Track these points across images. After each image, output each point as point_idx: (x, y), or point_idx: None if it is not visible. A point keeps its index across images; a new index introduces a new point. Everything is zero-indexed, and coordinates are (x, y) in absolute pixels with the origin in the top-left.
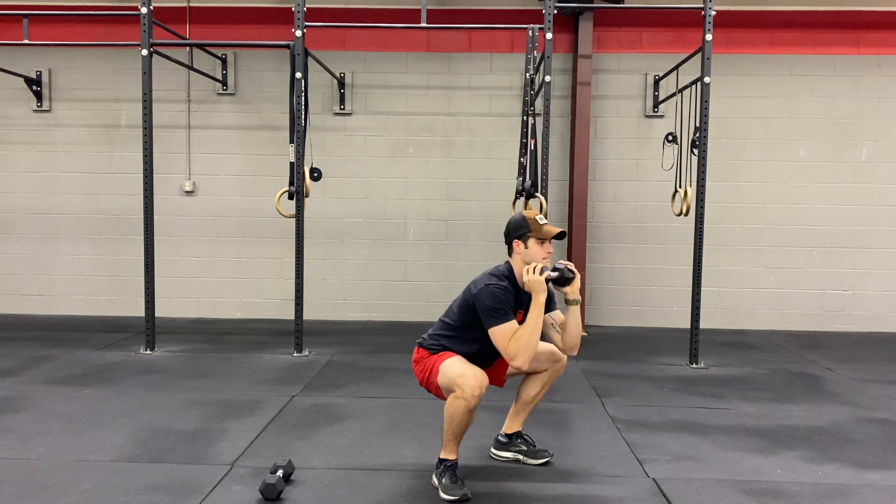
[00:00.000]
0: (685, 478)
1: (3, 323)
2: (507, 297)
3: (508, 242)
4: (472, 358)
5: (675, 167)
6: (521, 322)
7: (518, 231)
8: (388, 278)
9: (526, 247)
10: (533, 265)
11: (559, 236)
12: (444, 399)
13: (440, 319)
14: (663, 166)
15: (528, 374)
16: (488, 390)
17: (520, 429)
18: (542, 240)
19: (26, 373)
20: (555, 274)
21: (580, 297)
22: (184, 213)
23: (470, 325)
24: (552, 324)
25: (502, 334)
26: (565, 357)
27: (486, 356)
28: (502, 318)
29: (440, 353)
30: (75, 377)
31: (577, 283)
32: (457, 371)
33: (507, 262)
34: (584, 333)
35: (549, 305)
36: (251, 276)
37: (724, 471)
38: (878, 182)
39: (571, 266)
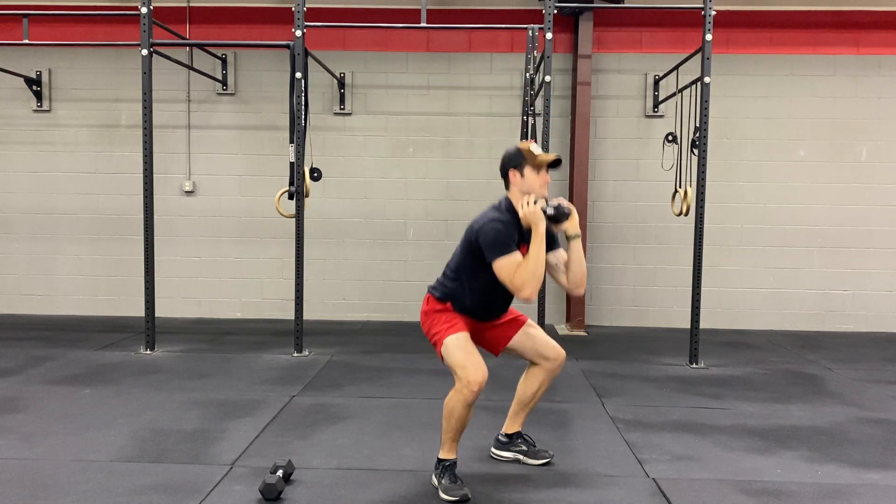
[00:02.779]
0: (685, 478)
1: (3, 323)
2: (509, 231)
3: (504, 175)
4: (479, 303)
5: (675, 167)
6: (524, 255)
7: (513, 161)
8: (388, 278)
9: (522, 176)
10: (526, 199)
11: (554, 164)
12: (443, 362)
13: (447, 265)
14: (663, 166)
15: (526, 372)
16: (486, 390)
17: (520, 429)
18: (537, 167)
19: (26, 373)
20: (551, 210)
21: (580, 231)
22: (184, 213)
23: (474, 267)
24: (556, 264)
25: (507, 267)
26: (563, 355)
27: (491, 301)
28: (505, 251)
29: (445, 315)
30: (75, 377)
31: (574, 217)
32: (459, 361)
33: (506, 197)
34: (584, 333)
35: (552, 245)
36: (251, 276)
37: (724, 471)
38: (878, 182)
39: (567, 203)
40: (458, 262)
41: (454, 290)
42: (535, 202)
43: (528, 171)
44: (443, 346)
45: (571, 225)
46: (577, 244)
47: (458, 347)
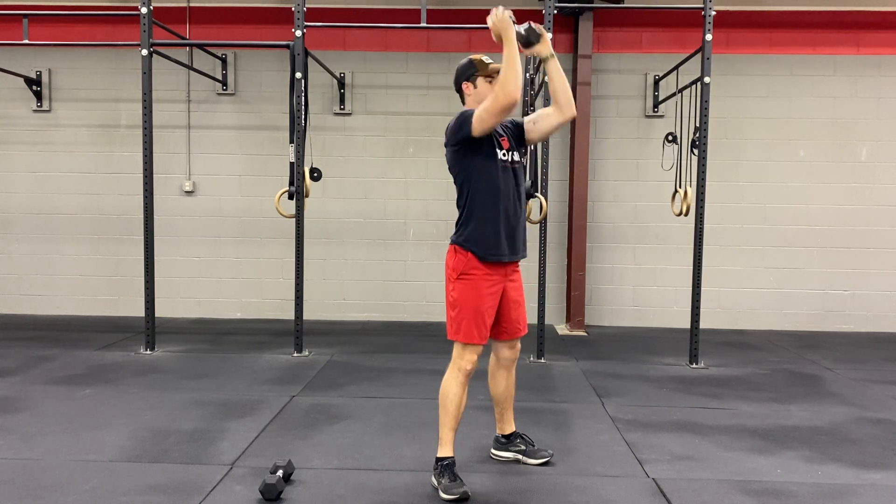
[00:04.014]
0: (685, 478)
1: (3, 323)
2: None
3: (459, 89)
4: (496, 214)
5: (675, 167)
6: (507, 149)
7: (465, 73)
8: (387, 278)
9: (475, 86)
10: (495, 10)
11: None
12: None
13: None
14: (663, 166)
15: (489, 373)
16: (485, 389)
17: (514, 428)
18: (489, 77)
19: (26, 373)
20: (522, 30)
21: (553, 53)
22: (184, 213)
23: (471, 171)
24: (534, 119)
25: (483, 102)
26: (519, 345)
27: (507, 206)
28: (474, 109)
29: (470, 278)
30: (75, 377)
31: (546, 39)
32: (463, 332)
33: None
34: (585, 333)
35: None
36: (251, 276)
37: (724, 471)
38: (878, 182)
39: (539, 25)
40: (458, 180)
41: (470, 214)
42: (503, 11)
43: (480, 81)
44: (452, 306)
45: (544, 47)
46: (554, 64)
47: (472, 321)
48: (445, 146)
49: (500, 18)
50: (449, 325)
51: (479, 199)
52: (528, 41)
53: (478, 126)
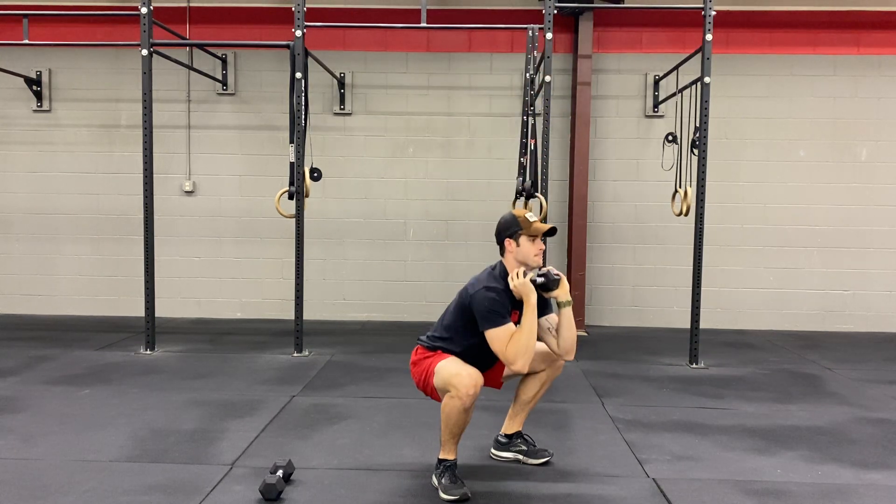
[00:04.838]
0: (685, 478)
1: (3, 323)
2: (503, 299)
3: (500, 242)
4: (471, 361)
5: (675, 167)
6: (516, 322)
7: (509, 230)
8: (388, 278)
9: (518, 244)
10: (516, 271)
11: (550, 233)
12: (440, 401)
13: (439, 322)
14: (663, 166)
15: (527, 375)
16: (485, 390)
17: (519, 429)
18: (533, 237)
19: (26, 373)
20: (540, 279)
21: (570, 299)
22: (184, 213)
23: (466, 329)
24: (549, 328)
25: (499, 338)
26: (561, 361)
27: (484, 359)
28: (498, 322)
29: (437, 354)
30: (75, 377)
31: (564, 285)
32: (452, 371)
33: (501, 262)
34: (585, 333)
35: (545, 309)
36: (251, 276)
37: (724, 471)
38: (878, 182)
39: (555, 270)
40: (451, 321)
41: (444, 346)
42: (524, 274)
43: (523, 239)
44: (434, 373)
45: (562, 292)
46: (567, 311)
47: (451, 362)
48: (466, 297)
49: (521, 283)
50: (436, 392)
51: (463, 351)
52: (547, 288)
53: (489, 341)
